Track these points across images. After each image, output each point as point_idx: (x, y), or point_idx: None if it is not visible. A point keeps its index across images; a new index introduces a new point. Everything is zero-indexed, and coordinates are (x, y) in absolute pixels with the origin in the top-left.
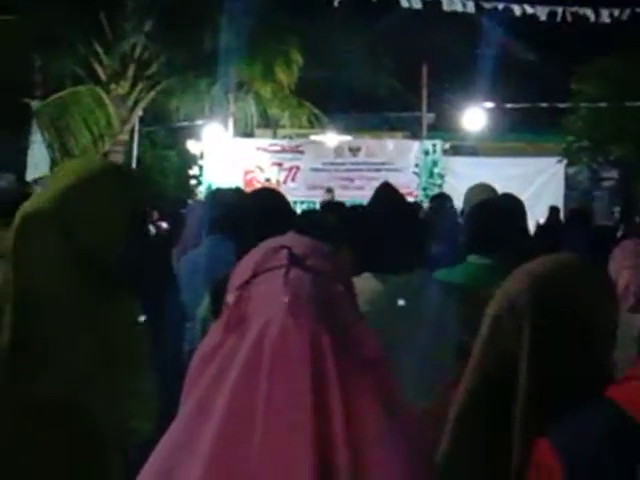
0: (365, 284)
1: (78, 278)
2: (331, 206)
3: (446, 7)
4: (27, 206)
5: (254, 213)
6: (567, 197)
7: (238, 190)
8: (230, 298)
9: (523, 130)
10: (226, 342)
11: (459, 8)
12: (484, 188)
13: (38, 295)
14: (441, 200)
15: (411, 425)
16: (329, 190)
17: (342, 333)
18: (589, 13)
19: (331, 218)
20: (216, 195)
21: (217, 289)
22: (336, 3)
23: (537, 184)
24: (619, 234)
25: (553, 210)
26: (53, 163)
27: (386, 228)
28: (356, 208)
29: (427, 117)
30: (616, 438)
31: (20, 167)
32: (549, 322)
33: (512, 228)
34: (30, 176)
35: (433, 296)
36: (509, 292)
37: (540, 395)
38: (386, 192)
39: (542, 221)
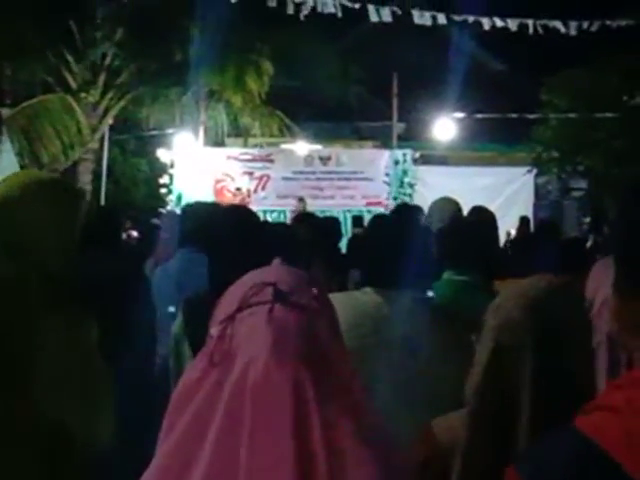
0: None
1: (31, 295)
2: (302, 218)
3: (417, 20)
4: None
5: (227, 228)
6: (536, 207)
7: (213, 205)
8: (214, 331)
9: (493, 140)
10: (208, 378)
11: (429, 22)
12: (448, 201)
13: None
14: (410, 212)
15: (390, 451)
16: (300, 199)
17: (325, 372)
18: (558, 25)
19: (303, 231)
20: (191, 208)
21: (190, 308)
22: (302, 17)
23: (507, 194)
24: (588, 244)
25: (523, 220)
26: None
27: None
28: (329, 220)
29: (397, 126)
30: (581, 466)
31: None
32: (550, 347)
33: (485, 243)
34: None
35: (418, 317)
36: (507, 319)
37: (543, 419)
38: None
39: (513, 231)
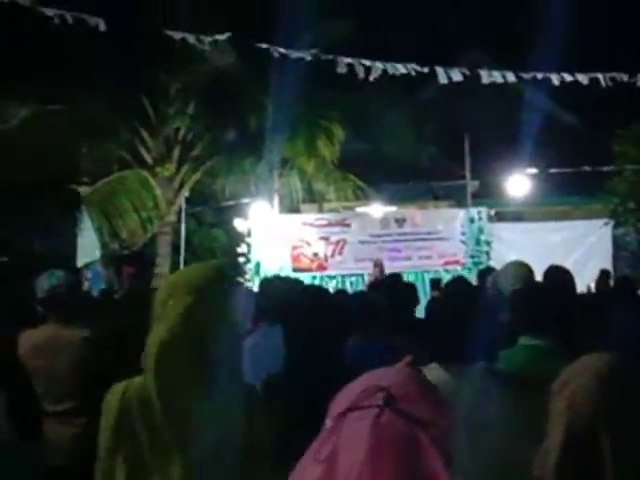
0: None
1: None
2: (378, 285)
3: (485, 79)
4: (160, 334)
5: (303, 306)
6: (616, 259)
7: (290, 282)
8: (328, 423)
9: (568, 194)
10: (314, 472)
11: (498, 79)
12: (519, 265)
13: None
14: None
15: None
16: (376, 264)
17: None
18: (625, 77)
19: (379, 298)
20: (268, 285)
21: (270, 384)
22: (371, 78)
23: (584, 247)
24: None
25: (603, 274)
26: (103, 247)
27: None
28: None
29: (471, 185)
30: None
31: (70, 253)
32: (622, 428)
33: (560, 307)
34: (81, 262)
35: (487, 391)
36: (581, 396)
37: None
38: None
39: (593, 285)
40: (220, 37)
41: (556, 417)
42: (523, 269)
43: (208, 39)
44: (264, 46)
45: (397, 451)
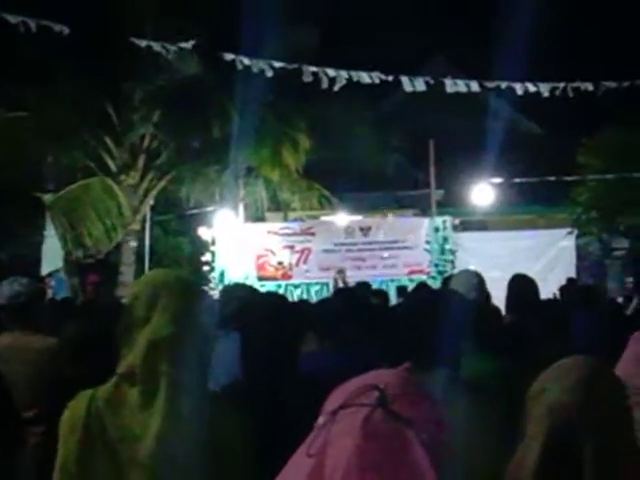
0: None
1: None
2: (342, 292)
3: (449, 89)
4: (166, 329)
5: (260, 313)
6: (579, 268)
7: (249, 289)
8: (321, 420)
9: (532, 203)
10: (304, 466)
11: (462, 89)
12: (468, 274)
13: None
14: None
15: None
16: (340, 271)
17: None
18: (590, 87)
19: (341, 305)
20: (227, 292)
21: (227, 393)
22: (336, 88)
23: (549, 256)
24: (633, 304)
25: (570, 283)
26: (67, 255)
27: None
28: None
29: (436, 194)
30: None
31: (34, 261)
32: (601, 432)
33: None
34: (45, 270)
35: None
36: (558, 403)
37: None
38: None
39: (557, 293)
40: (185, 45)
41: (535, 423)
42: (474, 278)
43: (173, 48)
44: (229, 56)
45: (385, 447)
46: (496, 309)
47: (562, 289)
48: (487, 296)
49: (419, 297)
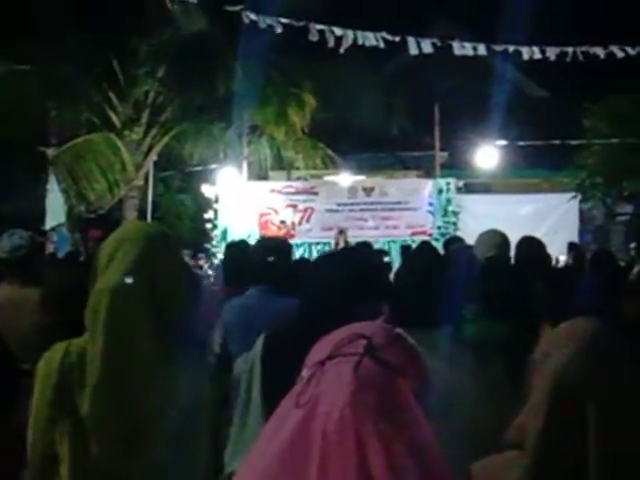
0: None
1: (157, 339)
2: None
3: (457, 51)
4: (112, 279)
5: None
6: (582, 233)
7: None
8: (305, 373)
9: (536, 167)
10: (292, 417)
11: (470, 52)
12: (494, 234)
13: (126, 358)
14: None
15: None
16: (341, 231)
17: (399, 430)
18: (599, 51)
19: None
20: (260, 244)
21: (270, 343)
22: (342, 50)
23: (552, 220)
24: (635, 270)
25: (573, 248)
26: (69, 210)
27: (410, 282)
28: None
29: (440, 156)
30: None
31: (39, 215)
32: (607, 395)
33: (526, 289)
34: (49, 224)
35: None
36: (566, 365)
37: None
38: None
39: (562, 257)
40: None
41: (539, 388)
42: (498, 237)
43: (179, 1)
44: (235, 9)
45: (379, 395)
46: (509, 270)
47: (576, 255)
48: (507, 257)
49: (423, 256)
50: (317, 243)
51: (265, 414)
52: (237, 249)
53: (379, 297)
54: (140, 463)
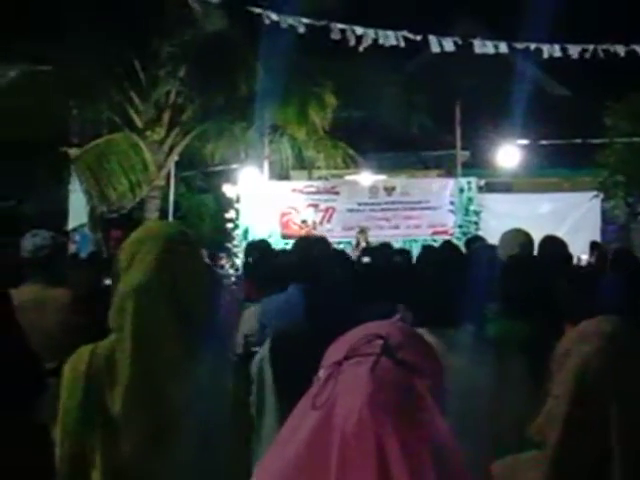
0: None
1: (180, 338)
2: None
3: (478, 50)
4: (135, 279)
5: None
6: (604, 232)
7: (322, 241)
8: (322, 373)
9: (557, 166)
10: (309, 419)
11: (491, 50)
12: (518, 233)
13: (155, 358)
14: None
15: None
16: (361, 231)
17: (416, 432)
18: (620, 50)
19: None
20: (297, 245)
21: (279, 342)
22: (361, 49)
23: (573, 219)
24: None
25: (597, 247)
26: (91, 210)
27: (432, 281)
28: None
29: (461, 155)
30: None
31: (61, 216)
32: (629, 393)
33: (548, 288)
34: (71, 224)
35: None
36: (584, 370)
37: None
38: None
39: (584, 257)
40: None
41: (561, 385)
42: (521, 237)
43: (201, 2)
44: (256, 10)
45: (397, 395)
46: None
47: (599, 254)
48: (530, 256)
49: (444, 254)
50: (338, 242)
51: (280, 416)
52: (264, 250)
53: (390, 297)
54: (169, 462)
